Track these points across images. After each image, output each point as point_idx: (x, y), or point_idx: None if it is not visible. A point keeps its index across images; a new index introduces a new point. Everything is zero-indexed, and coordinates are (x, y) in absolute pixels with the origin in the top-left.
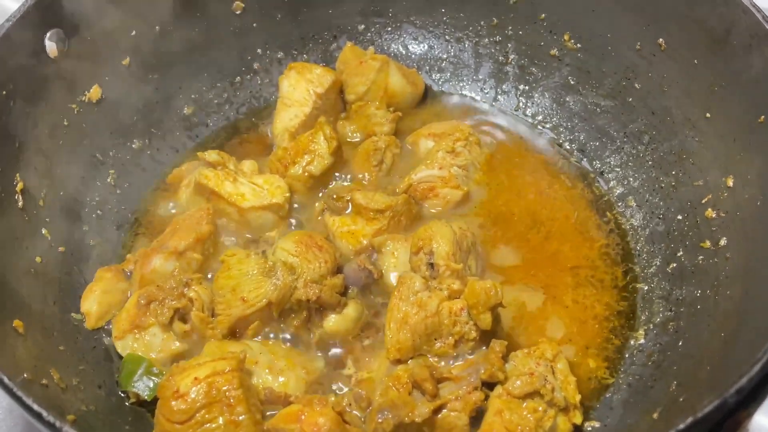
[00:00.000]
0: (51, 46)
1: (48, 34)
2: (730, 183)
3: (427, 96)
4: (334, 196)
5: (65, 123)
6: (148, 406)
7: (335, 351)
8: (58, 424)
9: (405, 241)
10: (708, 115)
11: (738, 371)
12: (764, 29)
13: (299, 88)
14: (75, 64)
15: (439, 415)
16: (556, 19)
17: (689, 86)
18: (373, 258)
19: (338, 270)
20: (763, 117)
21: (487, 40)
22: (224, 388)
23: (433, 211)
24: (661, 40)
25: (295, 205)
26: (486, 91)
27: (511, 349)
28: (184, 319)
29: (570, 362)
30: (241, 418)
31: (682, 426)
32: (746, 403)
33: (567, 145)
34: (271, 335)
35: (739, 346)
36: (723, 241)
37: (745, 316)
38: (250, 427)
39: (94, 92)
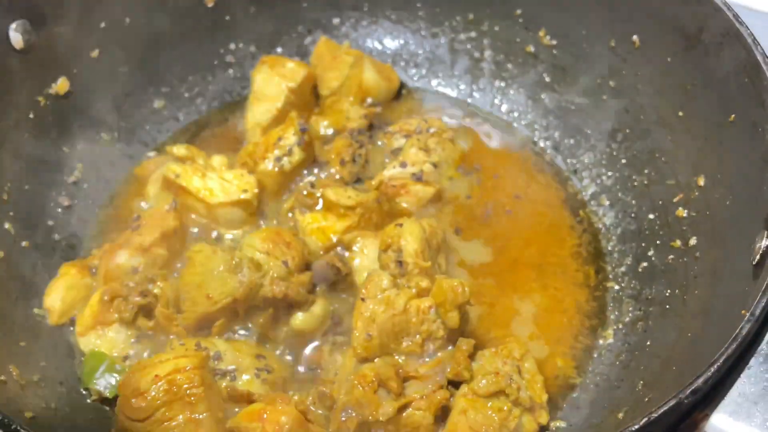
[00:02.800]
0: (16, 38)
1: (13, 25)
2: (701, 182)
3: (401, 92)
4: (305, 192)
5: (31, 116)
6: (111, 403)
7: (301, 349)
8: (6, 421)
9: (375, 239)
10: (680, 113)
11: (700, 371)
12: (735, 28)
13: (271, 82)
14: (42, 55)
15: (404, 414)
16: (532, 15)
17: (662, 84)
18: (342, 255)
19: (306, 267)
20: (733, 116)
21: (462, 35)
22: (185, 386)
23: (404, 206)
24: (635, 37)
25: (265, 202)
26: (461, 87)
27: (479, 348)
28: (148, 316)
29: (537, 361)
30: (201, 416)
31: (635, 426)
32: (703, 404)
33: (541, 143)
34: (237, 332)
35: (704, 346)
36: (693, 241)
37: (712, 316)
38: (212, 425)
39: (62, 85)
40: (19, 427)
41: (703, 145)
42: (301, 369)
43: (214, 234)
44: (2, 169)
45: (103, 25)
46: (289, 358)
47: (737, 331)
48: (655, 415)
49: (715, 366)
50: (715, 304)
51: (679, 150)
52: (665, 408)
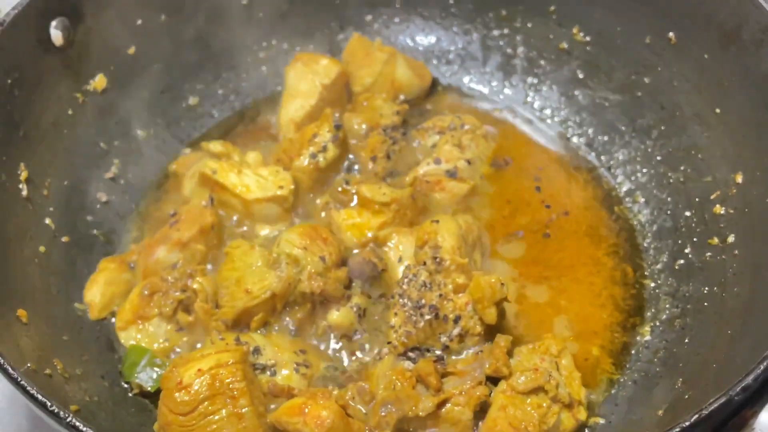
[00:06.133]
0: (56, 35)
1: (53, 23)
2: (739, 179)
3: (434, 88)
4: (340, 189)
5: (70, 112)
6: (151, 397)
7: (339, 344)
8: (62, 414)
9: (410, 235)
10: (718, 110)
11: (744, 369)
12: None
13: (305, 79)
14: (80, 52)
15: (443, 410)
16: (565, 12)
17: (699, 81)
18: (377, 251)
19: (343, 263)
20: None
21: (495, 32)
22: (227, 380)
23: (439, 203)
24: (671, 34)
25: (301, 198)
26: (493, 84)
27: (516, 344)
28: (187, 311)
29: (574, 358)
30: (244, 410)
31: (686, 423)
32: (752, 401)
33: (575, 140)
34: (275, 327)
35: (745, 343)
36: (731, 238)
37: (753, 313)
38: (253, 419)
39: (100, 81)
40: (73, 420)
41: (741, 142)
42: (339, 363)
43: (251, 229)
44: (42, 165)
45: (139, 22)
46: (326, 352)
47: None
48: (705, 411)
49: (766, 362)
50: (756, 301)
51: (716, 147)
52: (716, 405)
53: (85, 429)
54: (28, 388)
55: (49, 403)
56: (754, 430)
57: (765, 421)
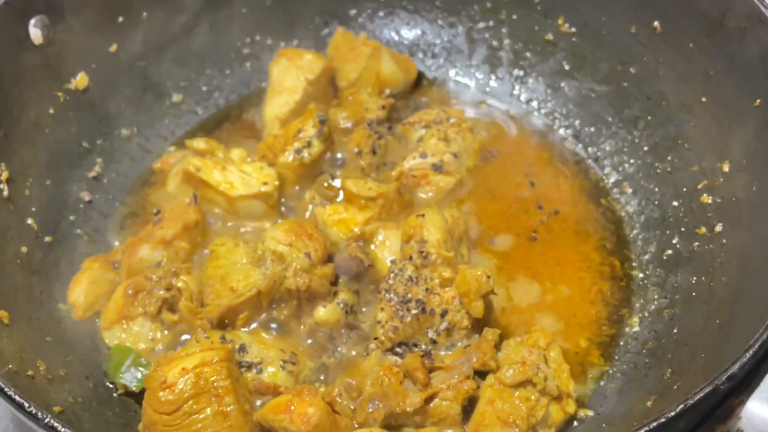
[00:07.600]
0: (35, 33)
1: (32, 21)
2: (726, 168)
3: (419, 82)
4: (325, 184)
5: (51, 111)
6: (136, 397)
7: (325, 340)
8: (40, 415)
9: (396, 229)
10: (704, 99)
11: (732, 358)
12: (760, 12)
13: (290, 74)
14: (61, 51)
15: (431, 405)
16: (550, 3)
17: (685, 70)
18: (364, 246)
19: (329, 259)
20: (758, 101)
21: (480, 24)
22: (212, 378)
23: (425, 197)
24: (656, 23)
25: (286, 194)
26: (479, 76)
27: (504, 338)
28: (172, 309)
29: (563, 350)
30: (229, 408)
31: (672, 413)
32: (738, 390)
33: (562, 131)
34: (267, 325)
35: (733, 332)
36: (719, 227)
37: (740, 302)
38: (239, 417)
39: (81, 80)
40: (51, 421)
41: (728, 131)
42: (325, 360)
43: (236, 226)
44: (24, 165)
45: (120, 19)
46: (312, 349)
47: None
48: (691, 401)
49: (751, 351)
50: (744, 290)
51: (703, 136)
52: (701, 394)
53: (63, 430)
54: (6, 389)
55: (26, 404)
56: (741, 418)
57: (752, 410)
